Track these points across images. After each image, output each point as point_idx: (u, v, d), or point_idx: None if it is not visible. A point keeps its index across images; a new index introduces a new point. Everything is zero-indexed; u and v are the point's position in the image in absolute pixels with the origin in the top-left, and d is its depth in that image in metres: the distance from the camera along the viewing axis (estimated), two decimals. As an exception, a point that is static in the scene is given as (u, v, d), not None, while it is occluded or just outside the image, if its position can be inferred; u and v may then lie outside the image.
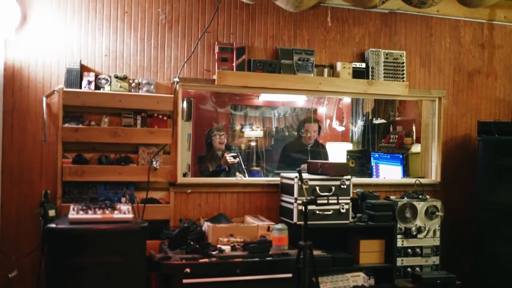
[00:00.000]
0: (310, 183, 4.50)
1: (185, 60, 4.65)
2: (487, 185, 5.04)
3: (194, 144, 7.68)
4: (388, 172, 6.58)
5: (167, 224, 4.51)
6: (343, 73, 4.99)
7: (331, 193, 4.50)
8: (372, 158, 7.27)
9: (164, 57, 4.63)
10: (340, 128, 8.71)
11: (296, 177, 4.40)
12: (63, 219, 3.75)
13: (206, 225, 4.36)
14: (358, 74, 5.05)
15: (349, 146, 8.04)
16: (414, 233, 4.90)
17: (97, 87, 4.38)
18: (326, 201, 4.13)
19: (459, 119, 5.56)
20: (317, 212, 4.49)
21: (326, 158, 6.03)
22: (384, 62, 5.13)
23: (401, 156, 6.63)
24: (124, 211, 3.75)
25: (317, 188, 4.51)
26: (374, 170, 7.03)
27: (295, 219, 4.46)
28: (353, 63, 5.05)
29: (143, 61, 4.58)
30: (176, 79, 4.60)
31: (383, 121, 7.96)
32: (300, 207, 4.42)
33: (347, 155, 7.53)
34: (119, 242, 3.64)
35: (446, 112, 5.48)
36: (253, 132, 8.97)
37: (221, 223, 4.44)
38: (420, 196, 5.04)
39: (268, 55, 4.92)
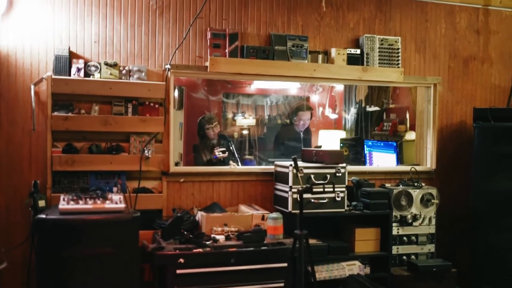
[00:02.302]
0: (305, 171, 4.43)
1: (177, 46, 4.55)
2: (483, 172, 5.01)
3: (186, 133, 7.58)
4: (382, 160, 6.52)
5: (160, 214, 4.44)
6: (338, 60, 4.91)
7: (326, 181, 4.44)
8: (365, 146, 7.21)
9: (155, 44, 4.53)
10: (333, 116, 8.64)
11: (291, 165, 4.33)
12: (53, 209, 3.66)
13: (199, 215, 4.29)
14: (352, 60, 4.98)
15: (342, 134, 7.97)
16: (410, 221, 4.86)
17: (87, 74, 4.28)
18: (322, 189, 4.06)
19: (454, 106, 5.51)
20: (312, 200, 4.43)
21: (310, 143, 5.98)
22: (379, 48, 5.05)
23: (394, 144, 6.56)
24: (115, 201, 3.66)
25: (312, 176, 4.44)
26: (368, 158, 6.98)
27: (290, 208, 4.39)
28: (348, 49, 4.97)
29: (133, 48, 4.47)
30: (168, 66, 4.51)
31: (376, 108, 7.90)
32: (295, 196, 4.35)
33: (341, 143, 7.48)
34: (111, 232, 3.55)
35: (441, 99, 5.43)
36: (245, 120, 8.86)
37: (214, 212, 4.38)
38: (416, 184, 4.99)
39: (261, 41, 4.82)
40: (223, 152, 5.43)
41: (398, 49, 5.11)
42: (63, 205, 3.56)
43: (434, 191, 4.96)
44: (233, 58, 4.60)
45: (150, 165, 4.39)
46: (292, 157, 3.65)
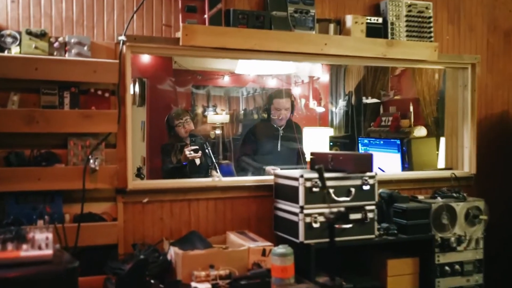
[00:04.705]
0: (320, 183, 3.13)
1: (135, 9, 3.20)
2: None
3: (149, 133, 6.35)
4: (382, 161, 5.40)
5: (114, 250, 3.07)
6: (355, 30, 3.64)
7: (350, 198, 3.17)
8: (360, 144, 6.12)
9: (104, 5, 3.16)
10: (320, 109, 7.47)
11: (302, 176, 3.06)
12: None
13: (172, 252, 2.95)
14: (373, 32, 3.73)
15: (330, 132, 6.87)
16: (454, 245, 3.63)
17: (0, 48, 2.89)
18: (362, 215, 2.79)
19: (494, 91, 4.33)
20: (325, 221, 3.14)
21: (301, 143, 4.75)
22: (406, 16, 3.81)
23: (398, 142, 5.44)
24: (39, 244, 2.28)
25: (331, 190, 3.15)
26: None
27: (301, 237, 3.10)
28: (367, 18, 3.71)
29: (71, 11, 3.09)
30: (122, 38, 3.14)
31: (375, 100, 6.76)
32: (308, 220, 3.07)
33: (330, 142, 6.39)
34: (32, 295, 2.19)
35: (479, 84, 4.23)
36: (217, 117, 7.68)
37: (195, 247, 3.04)
38: (458, 195, 3.78)
39: (253, 4, 3.52)
40: (195, 151, 4.33)
41: (429, 17, 3.88)
42: (-51, 255, 2.17)
43: (481, 204, 3.76)
44: (215, 26, 3.27)
45: (98, 181, 3.02)
46: (317, 166, 2.37)
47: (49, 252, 2.27)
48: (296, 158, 4.64)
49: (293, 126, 4.71)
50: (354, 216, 2.95)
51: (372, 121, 6.80)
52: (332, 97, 7.46)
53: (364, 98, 6.89)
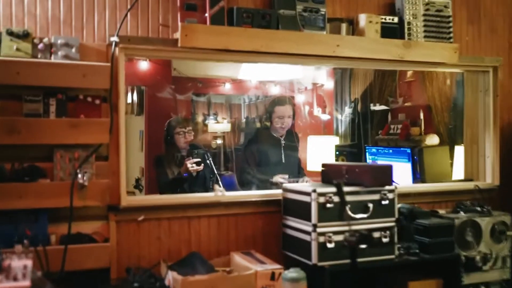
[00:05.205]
0: (335, 198, 2.82)
1: (129, 8, 2.91)
2: None
3: (148, 143, 6.09)
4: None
5: (105, 275, 2.76)
6: (369, 31, 3.35)
7: (368, 214, 2.86)
8: (367, 153, 5.83)
9: (94, 3, 2.88)
10: (325, 117, 7.20)
11: (314, 191, 2.75)
12: None
13: (170, 276, 2.64)
14: (388, 32, 3.44)
15: (336, 140, 6.61)
16: (479, 264, 3.33)
17: (-23, 50, 2.61)
18: (382, 234, 2.47)
19: (516, 96, 4.04)
20: (346, 244, 2.82)
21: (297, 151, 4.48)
22: (423, 15, 3.52)
23: (409, 151, 5.16)
24: (15, 274, 1.97)
25: (347, 207, 2.84)
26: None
27: (314, 259, 2.78)
28: (381, 17, 3.42)
29: (57, 9, 2.81)
30: (115, 39, 2.85)
31: (383, 107, 6.49)
32: (321, 239, 2.76)
33: (336, 151, 6.14)
34: (6, 335, 1.88)
35: (501, 88, 3.94)
36: (218, 125, 7.41)
37: (196, 271, 2.73)
38: (481, 209, 3.47)
39: (258, 2, 3.24)
40: (198, 164, 4.03)
41: (449, 17, 3.59)
42: None
43: (507, 218, 3.46)
44: (217, 26, 2.98)
45: (88, 197, 2.71)
46: (335, 181, 2.08)
47: (25, 284, 1.95)
48: (298, 168, 4.38)
49: (293, 134, 4.43)
50: (373, 235, 2.62)
51: (379, 129, 6.54)
52: (337, 104, 7.21)
53: (371, 105, 6.64)
